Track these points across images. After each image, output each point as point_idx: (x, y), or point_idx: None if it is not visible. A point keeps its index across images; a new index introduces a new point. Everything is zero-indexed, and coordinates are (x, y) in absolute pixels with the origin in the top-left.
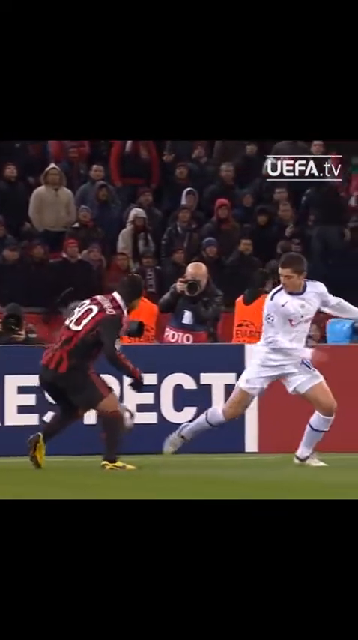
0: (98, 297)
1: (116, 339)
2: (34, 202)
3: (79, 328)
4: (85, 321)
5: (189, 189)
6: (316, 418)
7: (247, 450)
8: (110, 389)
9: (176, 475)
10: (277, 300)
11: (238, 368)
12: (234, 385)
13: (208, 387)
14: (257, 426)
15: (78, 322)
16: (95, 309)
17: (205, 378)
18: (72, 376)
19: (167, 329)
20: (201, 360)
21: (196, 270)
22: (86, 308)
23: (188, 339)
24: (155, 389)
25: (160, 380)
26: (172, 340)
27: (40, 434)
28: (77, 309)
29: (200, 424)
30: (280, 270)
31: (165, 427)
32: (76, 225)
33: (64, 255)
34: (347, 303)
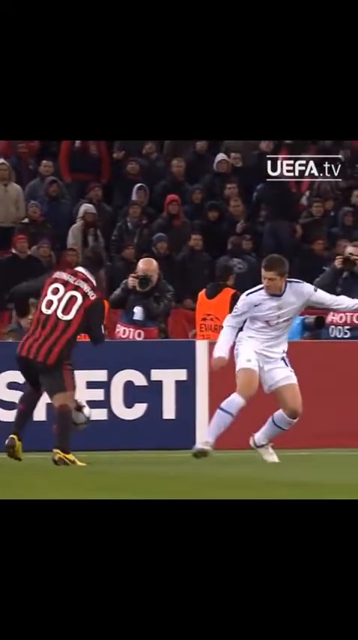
0: (68, 279)
1: (102, 323)
2: None
3: (69, 317)
4: (74, 310)
5: (139, 184)
6: (280, 414)
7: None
8: (74, 387)
9: (131, 472)
10: (251, 299)
11: (189, 364)
12: (184, 381)
13: (159, 383)
14: (208, 422)
15: (66, 311)
16: (79, 295)
17: (156, 374)
18: (54, 366)
19: (118, 325)
20: (152, 356)
21: (147, 265)
22: (69, 295)
23: (139, 335)
24: (105, 385)
25: (111, 376)
26: (123, 336)
27: (13, 437)
28: (53, 296)
29: (221, 420)
30: (263, 273)
31: (116, 424)
32: (26, 220)
33: (14, 251)
34: (346, 298)
